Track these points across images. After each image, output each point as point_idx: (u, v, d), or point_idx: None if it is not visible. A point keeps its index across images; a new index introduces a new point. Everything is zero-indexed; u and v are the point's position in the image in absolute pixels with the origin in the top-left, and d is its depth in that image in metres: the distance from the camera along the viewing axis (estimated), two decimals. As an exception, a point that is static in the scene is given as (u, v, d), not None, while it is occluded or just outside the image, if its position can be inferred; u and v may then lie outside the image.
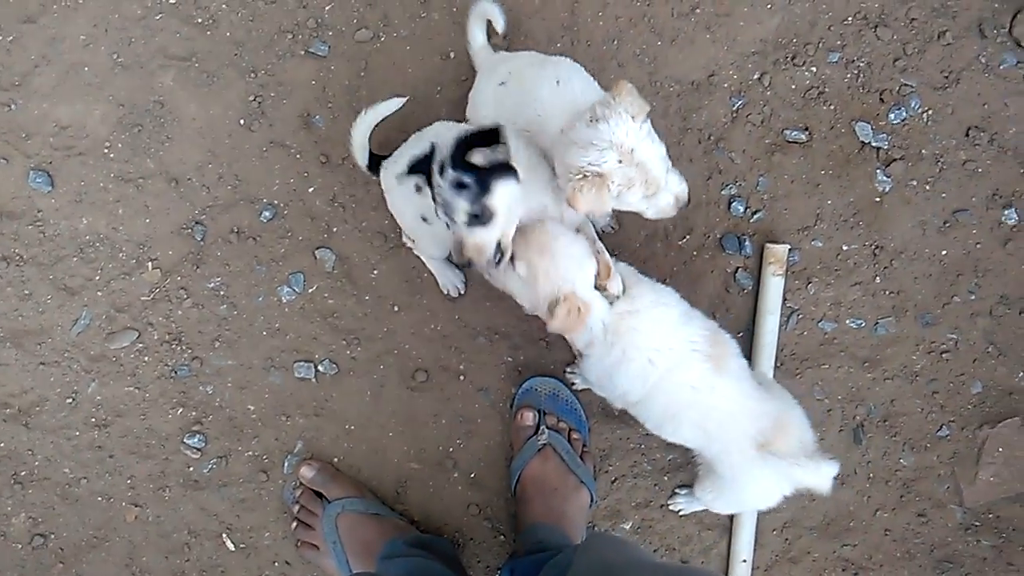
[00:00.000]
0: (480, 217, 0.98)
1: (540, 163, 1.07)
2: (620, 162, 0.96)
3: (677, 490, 1.39)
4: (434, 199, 1.00)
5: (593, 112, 0.96)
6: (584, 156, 0.96)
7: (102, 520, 1.36)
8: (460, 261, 1.03)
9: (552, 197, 1.11)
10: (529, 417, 1.32)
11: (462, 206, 0.97)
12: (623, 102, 0.95)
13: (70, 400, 1.35)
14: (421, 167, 1.01)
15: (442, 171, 0.97)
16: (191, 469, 1.36)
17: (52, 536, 1.36)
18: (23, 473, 1.36)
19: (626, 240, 1.38)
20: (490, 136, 0.97)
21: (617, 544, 1.04)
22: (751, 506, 1.27)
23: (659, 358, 1.07)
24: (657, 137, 0.99)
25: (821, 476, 1.04)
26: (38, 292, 1.35)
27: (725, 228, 1.39)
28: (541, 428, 1.31)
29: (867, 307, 1.40)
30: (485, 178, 0.96)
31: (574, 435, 1.33)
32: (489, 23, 1.25)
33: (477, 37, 1.26)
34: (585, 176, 0.96)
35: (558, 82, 1.10)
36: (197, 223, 1.35)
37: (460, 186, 0.97)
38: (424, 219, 1.16)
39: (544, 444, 1.30)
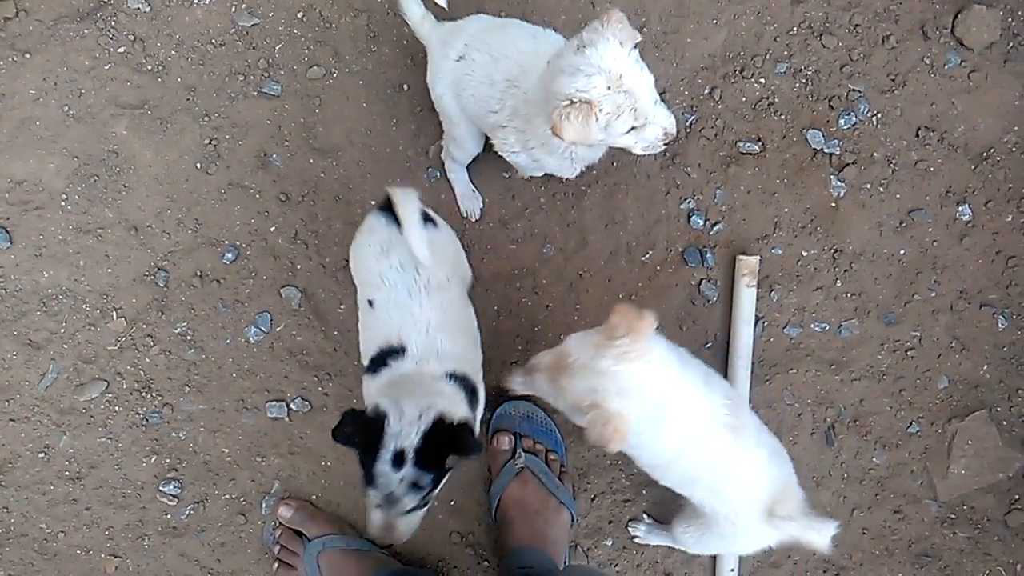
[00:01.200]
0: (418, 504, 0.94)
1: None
2: (608, 88, 0.95)
3: (642, 517, 1.42)
4: (368, 477, 0.91)
5: (581, 39, 0.96)
6: (572, 82, 0.95)
7: (82, 573, 1.38)
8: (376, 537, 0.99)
9: (568, 164, 1.14)
10: (505, 441, 1.35)
11: (407, 502, 0.92)
12: (612, 28, 0.94)
13: (42, 455, 1.37)
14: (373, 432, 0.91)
15: (398, 462, 0.88)
16: (168, 516, 1.38)
17: (32, 593, 1.37)
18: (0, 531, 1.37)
19: (590, 259, 1.42)
20: (460, 434, 0.92)
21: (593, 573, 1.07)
22: (733, 552, 1.29)
23: (682, 431, 1.05)
24: (646, 67, 0.98)
25: (823, 536, 1.06)
26: (3, 348, 1.37)
27: (687, 241, 1.43)
28: (518, 451, 1.34)
29: (830, 310, 1.45)
30: (441, 473, 0.92)
31: (551, 456, 1.36)
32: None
33: (413, 9, 1.21)
34: (572, 103, 0.95)
35: (534, 36, 1.10)
36: (160, 269, 1.37)
37: (415, 485, 0.90)
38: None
39: (522, 467, 1.33)
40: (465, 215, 1.40)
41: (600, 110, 0.95)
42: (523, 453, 1.34)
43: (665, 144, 1.03)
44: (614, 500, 1.44)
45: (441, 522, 1.41)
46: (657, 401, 0.97)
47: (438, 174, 1.40)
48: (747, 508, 1.09)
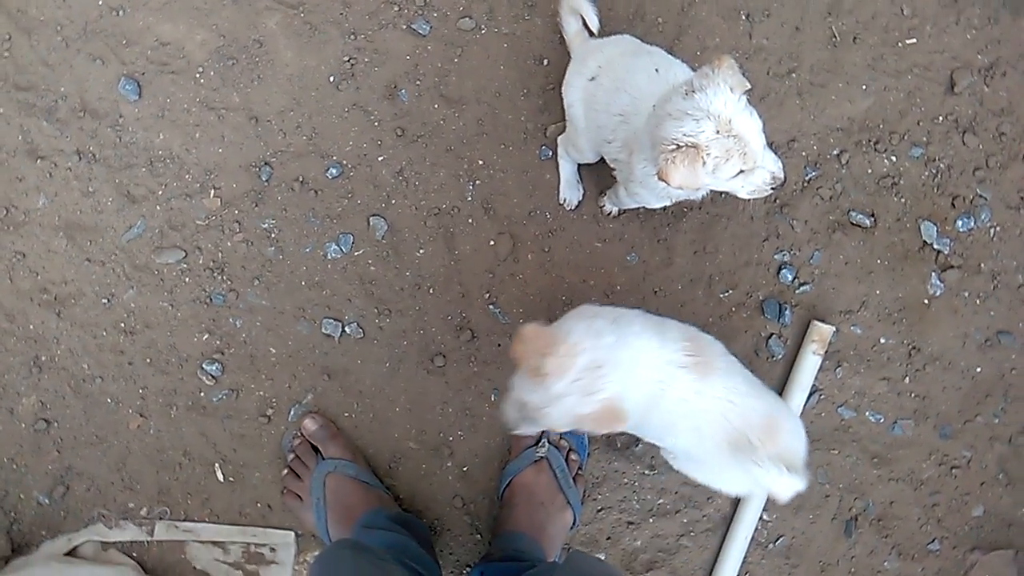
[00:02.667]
0: None
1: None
2: (717, 132, 0.96)
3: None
4: None
5: (690, 84, 0.98)
6: (679, 127, 0.97)
7: (106, 421, 1.45)
8: None
9: (666, 202, 1.19)
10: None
11: None
12: (723, 74, 0.96)
13: (105, 301, 1.45)
14: None
15: None
16: (202, 394, 1.44)
17: (55, 424, 1.45)
18: (43, 358, 1.46)
19: (670, 280, 1.44)
20: None
21: (599, 566, 1.10)
22: (715, 485, 1.27)
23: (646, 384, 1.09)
24: (755, 112, 0.99)
25: (782, 485, 1.06)
26: (101, 192, 1.45)
27: (769, 292, 1.45)
28: (542, 441, 1.38)
29: (890, 404, 1.45)
30: None
31: (572, 455, 1.40)
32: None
33: (571, 24, 1.32)
34: (679, 147, 0.97)
35: (657, 70, 1.12)
36: (266, 164, 1.44)
37: None
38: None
39: (541, 457, 1.37)
40: (562, 202, 1.44)
41: (708, 154, 0.97)
42: (547, 443, 1.38)
43: (772, 188, 1.04)
44: (619, 519, 1.46)
45: (449, 483, 1.45)
46: (616, 367, 1.02)
47: (550, 153, 1.44)
48: (716, 438, 1.09)
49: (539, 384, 1.00)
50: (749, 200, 1.43)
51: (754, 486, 1.13)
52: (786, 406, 1.19)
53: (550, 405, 1.00)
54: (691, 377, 1.08)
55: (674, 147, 0.98)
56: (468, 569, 1.45)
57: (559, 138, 1.40)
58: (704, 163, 0.98)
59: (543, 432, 1.38)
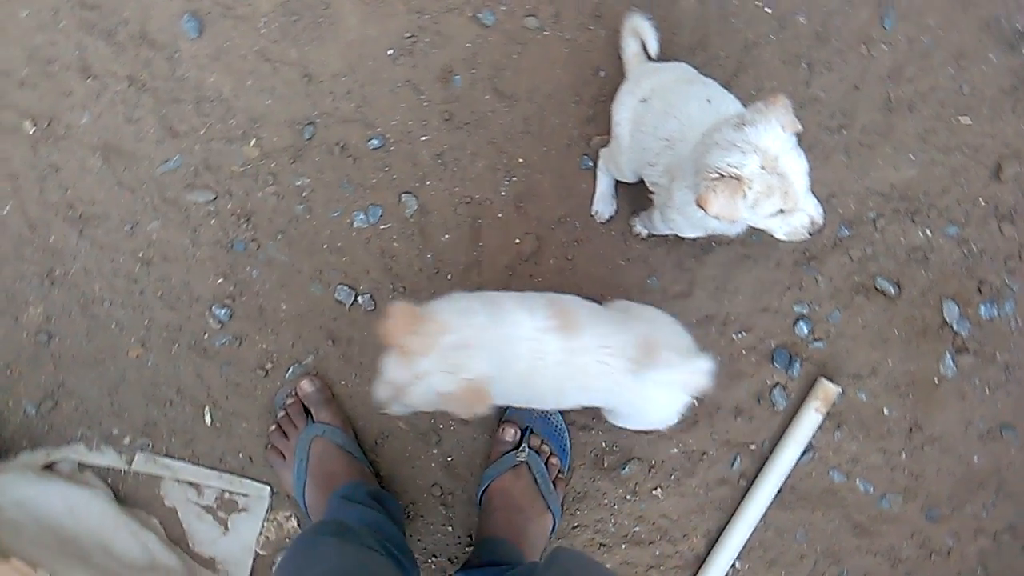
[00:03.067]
0: None
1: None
2: (762, 168, 0.96)
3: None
4: None
5: (742, 117, 0.98)
6: (725, 156, 0.97)
7: (107, 345, 1.46)
8: None
9: (700, 232, 1.20)
10: (511, 433, 1.38)
11: None
12: (776, 112, 0.96)
13: (128, 227, 1.47)
14: None
15: None
16: (206, 336, 1.46)
17: (57, 339, 1.47)
18: (58, 272, 1.47)
19: (686, 311, 1.44)
20: None
21: (584, 562, 1.09)
22: (658, 423, 1.26)
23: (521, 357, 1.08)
24: (804, 154, 1.00)
25: (696, 371, 1.07)
26: (145, 121, 1.47)
27: (782, 342, 1.45)
28: (522, 445, 1.38)
29: (882, 476, 1.44)
30: None
31: (552, 460, 1.39)
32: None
33: (630, 45, 1.34)
34: (721, 177, 0.97)
35: (709, 101, 1.12)
36: (311, 123, 1.46)
37: None
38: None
39: (521, 462, 1.37)
40: (594, 213, 1.44)
41: (750, 188, 0.97)
42: (527, 448, 1.37)
43: (810, 233, 1.04)
44: (592, 539, 1.46)
45: (431, 470, 1.45)
46: (484, 347, 1.02)
47: (590, 163, 1.45)
48: (615, 380, 1.09)
49: (405, 362, 1.00)
50: (782, 243, 1.43)
51: (675, 393, 1.13)
52: (652, 317, 1.18)
53: (414, 383, 1.00)
54: (560, 339, 1.08)
55: (717, 176, 0.98)
56: (434, 558, 1.45)
57: (602, 151, 1.41)
58: (745, 196, 0.98)
59: (523, 437, 1.38)
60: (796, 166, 0.98)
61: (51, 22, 1.48)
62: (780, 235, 1.06)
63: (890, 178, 1.45)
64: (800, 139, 1.00)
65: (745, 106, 1.12)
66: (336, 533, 1.08)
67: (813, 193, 1.04)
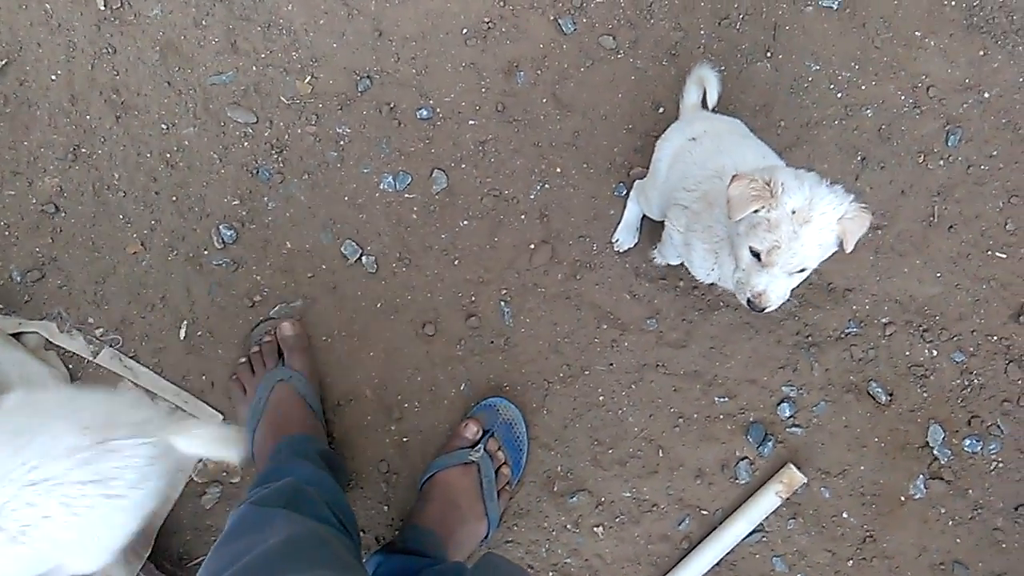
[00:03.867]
0: None
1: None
2: (792, 212, 0.93)
3: None
4: None
5: (816, 177, 0.96)
6: (776, 175, 0.95)
7: (108, 235, 1.47)
8: None
9: (707, 265, 1.17)
10: (472, 430, 1.37)
11: None
12: (850, 222, 0.94)
13: (164, 126, 1.48)
14: None
15: None
16: (206, 252, 1.46)
17: (63, 214, 1.48)
18: (84, 150, 1.48)
19: (675, 361, 1.44)
20: None
21: (517, 572, 1.08)
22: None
23: None
24: (832, 248, 0.97)
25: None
26: (212, 29, 1.49)
27: (761, 417, 1.44)
28: (479, 446, 1.37)
29: (824, 577, 1.42)
30: None
31: (504, 469, 1.38)
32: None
33: (692, 94, 1.34)
34: (756, 180, 0.95)
35: (763, 157, 1.15)
36: (368, 77, 1.47)
37: None
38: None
39: (472, 461, 1.36)
40: (614, 241, 1.45)
41: (767, 209, 0.94)
42: (483, 450, 1.36)
43: (749, 302, 1.00)
44: (521, 559, 1.44)
45: (384, 445, 1.44)
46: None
47: (624, 191, 1.46)
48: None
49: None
50: (783, 320, 1.43)
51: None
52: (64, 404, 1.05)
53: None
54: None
55: (754, 176, 0.95)
56: (362, 533, 1.44)
57: (637, 182, 1.41)
58: (758, 209, 0.95)
59: (482, 437, 1.38)
60: (811, 245, 0.95)
61: (149, -89, 1.50)
62: (733, 279, 1.03)
63: (911, 290, 1.45)
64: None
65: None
66: (287, 503, 1.05)
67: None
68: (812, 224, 0.94)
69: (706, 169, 1.15)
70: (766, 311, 1.01)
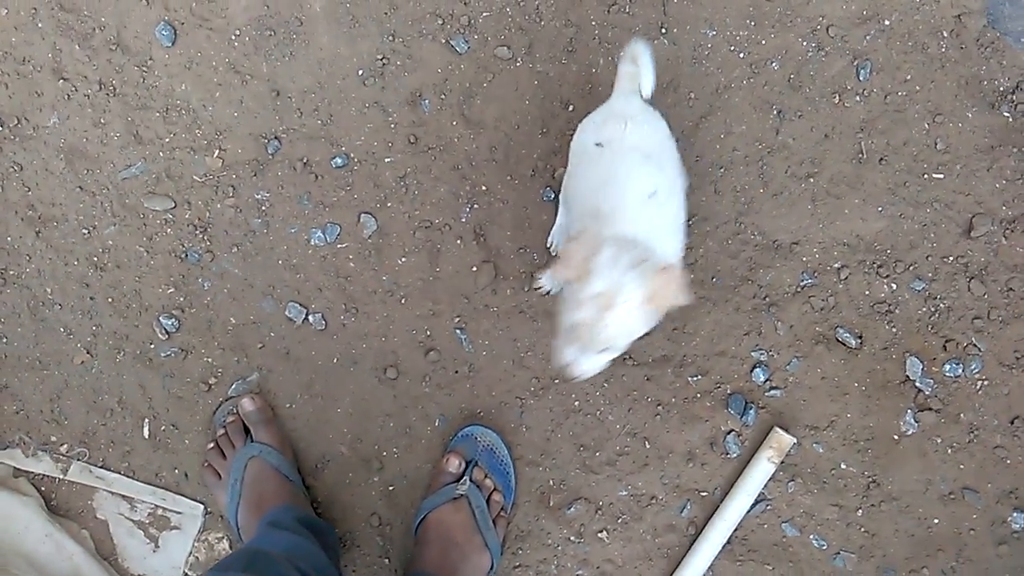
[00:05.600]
0: None
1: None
2: (599, 294, 0.93)
3: None
4: None
5: (637, 252, 0.95)
6: (599, 252, 0.95)
7: (53, 350, 1.46)
8: None
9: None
10: (455, 464, 1.37)
11: None
12: (659, 294, 0.94)
13: (85, 231, 1.48)
14: None
15: None
16: (152, 346, 1.45)
17: (4, 339, 1.47)
18: (11, 272, 1.48)
19: (641, 350, 1.44)
20: None
21: None
22: None
23: None
24: (650, 324, 0.98)
25: None
26: (112, 125, 1.49)
27: (738, 388, 1.43)
28: (464, 478, 1.36)
29: (837, 533, 1.41)
30: None
31: (495, 496, 1.37)
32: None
33: (628, 66, 1.21)
34: (578, 252, 0.95)
35: (654, 194, 1.06)
36: (276, 138, 1.47)
37: None
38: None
39: (460, 495, 1.34)
40: (549, 245, 1.44)
41: (580, 284, 0.94)
42: (468, 481, 1.35)
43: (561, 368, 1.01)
44: (533, 580, 1.43)
45: (371, 499, 1.43)
46: None
47: (552, 195, 1.46)
48: None
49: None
50: (739, 287, 1.43)
51: None
52: None
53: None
54: None
55: (580, 248, 0.96)
56: (366, 591, 1.42)
57: (563, 182, 1.41)
58: (579, 277, 0.95)
59: (466, 469, 1.37)
60: (615, 328, 0.94)
61: (30, 22, 1.51)
62: (557, 339, 1.02)
63: (857, 229, 1.45)
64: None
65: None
66: (245, 567, 1.04)
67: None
68: (616, 310, 0.92)
69: (588, 206, 1.09)
70: (576, 380, 1.00)
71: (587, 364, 1.00)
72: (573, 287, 0.96)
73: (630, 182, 1.06)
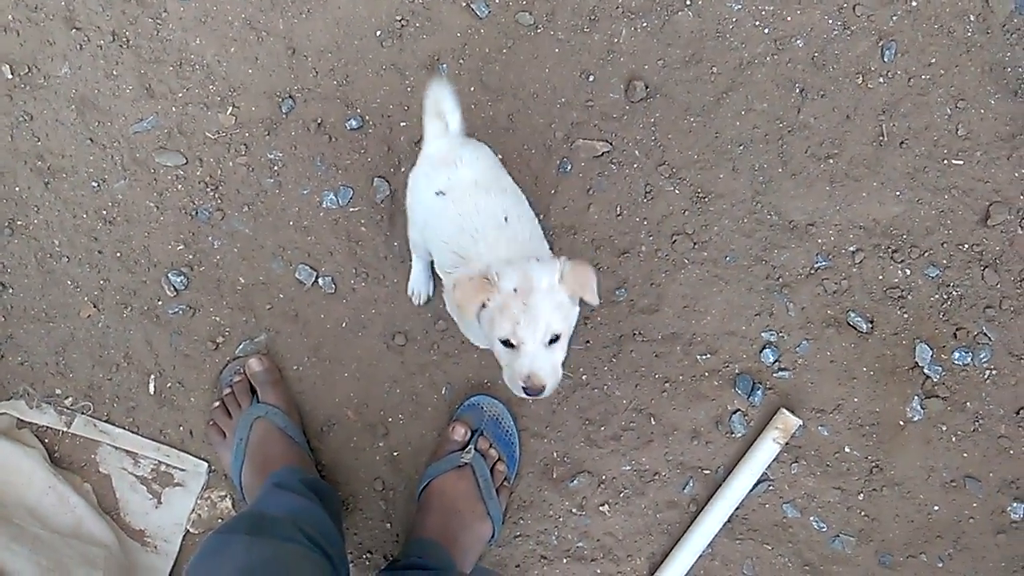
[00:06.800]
0: None
1: None
2: (515, 290, 0.97)
3: None
4: None
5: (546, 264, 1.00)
6: (488, 270, 0.99)
7: (60, 302, 1.46)
8: None
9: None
10: (460, 432, 1.37)
11: None
12: (571, 276, 0.98)
13: (95, 184, 1.46)
14: None
15: None
16: (160, 303, 1.45)
17: (10, 291, 1.46)
18: (19, 222, 1.47)
19: (651, 327, 1.43)
20: None
21: None
22: None
23: None
24: (574, 308, 1.01)
25: None
26: (124, 78, 1.47)
27: (746, 368, 1.43)
28: (469, 447, 1.36)
29: (837, 516, 1.42)
30: None
31: (499, 466, 1.38)
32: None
33: (432, 125, 1.19)
34: (475, 277, 0.99)
35: (506, 219, 1.10)
36: (290, 97, 1.46)
37: None
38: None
39: (465, 463, 1.35)
40: (410, 294, 1.42)
41: (493, 295, 0.98)
42: (473, 450, 1.36)
43: (525, 389, 1.01)
44: (533, 551, 1.44)
45: (375, 463, 1.44)
46: None
47: (570, 167, 1.45)
48: None
49: None
50: (753, 267, 1.42)
51: None
52: None
53: None
54: None
55: (475, 272, 0.99)
56: (369, 554, 1.43)
57: (583, 149, 1.40)
58: (485, 303, 0.99)
59: (472, 438, 1.37)
60: (547, 310, 0.97)
61: (41, -30, 1.48)
62: (504, 374, 1.04)
63: (874, 213, 1.44)
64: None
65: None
66: (249, 529, 1.05)
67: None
68: (536, 292, 0.97)
69: (451, 252, 1.11)
70: (544, 394, 1.02)
71: (544, 364, 1.01)
72: (487, 309, 0.99)
73: (481, 218, 1.09)
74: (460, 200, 1.12)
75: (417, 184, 1.19)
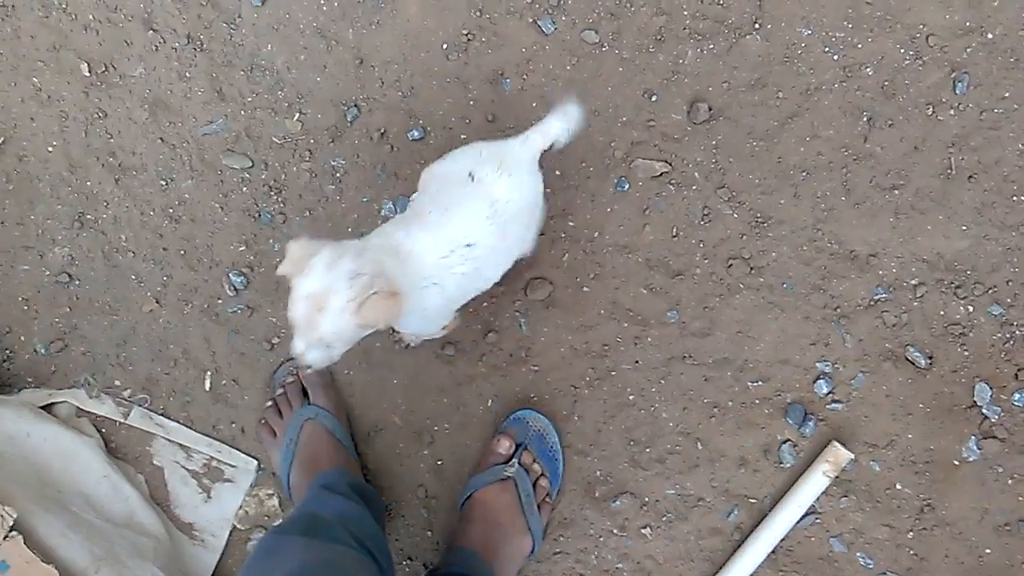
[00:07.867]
0: None
1: None
2: (308, 295, 0.95)
3: None
4: None
5: (364, 264, 0.96)
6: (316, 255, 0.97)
7: (123, 295, 1.50)
8: None
9: None
10: (505, 445, 1.38)
11: None
12: (370, 308, 0.94)
13: (163, 183, 1.50)
14: None
15: None
16: (219, 301, 1.48)
17: (77, 282, 1.51)
18: (89, 217, 1.52)
19: (703, 350, 1.42)
20: None
21: None
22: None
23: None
24: (365, 331, 0.99)
25: None
26: (196, 80, 1.51)
27: (799, 398, 1.41)
28: (513, 460, 1.36)
29: (886, 553, 1.40)
30: None
31: (542, 481, 1.38)
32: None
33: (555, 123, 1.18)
34: (302, 250, 0.98)
35: (473, 246, 1.07)
36: (356, 106, 1.48)
37: None
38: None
39: (508, 476, 1.35)
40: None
41: (295, 282, 0.96)
42: (517, 464, 1.36)
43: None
44: (572, 569, 1.44)
45: (419, 471, 1.45)
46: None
47: (627, 186, 1.44)
48: None
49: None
50: (811, 296, 1.41)
51: None
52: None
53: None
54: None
55: (305, 246, 0.98)
56: (408, 561, 1.44)
57: (643, 171, 1.40)
58: (294, 274, 0.97)
59: (515, 451, 1.37)
60: (325, 327, 0.95)
61: (123, -28, 1.53)
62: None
63: (938, 247, 1.41)
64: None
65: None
66: (304, 531, 1.07)
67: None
68: (327, 311, 0.94)
69: (428, 202, 1.09)
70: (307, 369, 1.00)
71: (313, 355, 1.00)
72: (293, 283, 0.97)
73: (470, 220, 1.06)
74: (471, 195, 1.07)
75: (464, 153, 1.13)
